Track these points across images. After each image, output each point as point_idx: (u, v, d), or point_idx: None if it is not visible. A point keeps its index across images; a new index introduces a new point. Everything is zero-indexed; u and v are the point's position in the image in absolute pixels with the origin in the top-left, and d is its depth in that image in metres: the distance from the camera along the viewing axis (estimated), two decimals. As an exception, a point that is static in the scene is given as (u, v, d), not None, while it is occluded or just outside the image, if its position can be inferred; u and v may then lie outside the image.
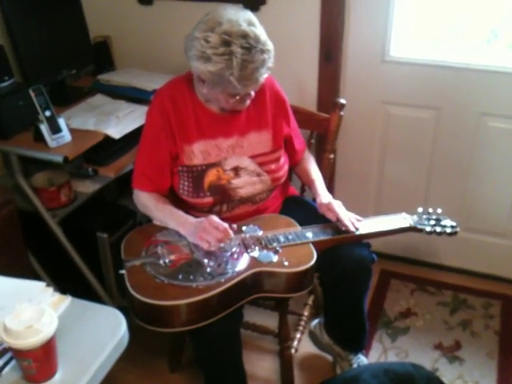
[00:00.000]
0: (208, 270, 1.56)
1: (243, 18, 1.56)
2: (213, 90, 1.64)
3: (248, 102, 1.70)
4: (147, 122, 1.79)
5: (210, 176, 1.76)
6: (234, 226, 1.70)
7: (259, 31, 1.57)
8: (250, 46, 1.53)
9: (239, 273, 1.56)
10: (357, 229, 1.74)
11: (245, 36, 1.52)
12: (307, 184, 1.97)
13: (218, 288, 1.50)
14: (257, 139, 1.80)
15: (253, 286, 1.59)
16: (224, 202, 1.78)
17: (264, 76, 1.61)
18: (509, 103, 2.22)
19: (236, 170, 1.77)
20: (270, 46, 1.58)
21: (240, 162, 1.78)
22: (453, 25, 2.24)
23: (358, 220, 1.78)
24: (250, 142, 1.79)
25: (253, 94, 1.68)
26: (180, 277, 1.53)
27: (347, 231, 1.72)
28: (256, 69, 1.56)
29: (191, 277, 1.54)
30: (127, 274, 1.57)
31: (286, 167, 1.88)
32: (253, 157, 1.79)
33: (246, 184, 1.78)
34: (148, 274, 1.55)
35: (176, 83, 1.77)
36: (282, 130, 1.84)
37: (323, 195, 1.84)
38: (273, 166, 1.82)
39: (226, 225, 1.64)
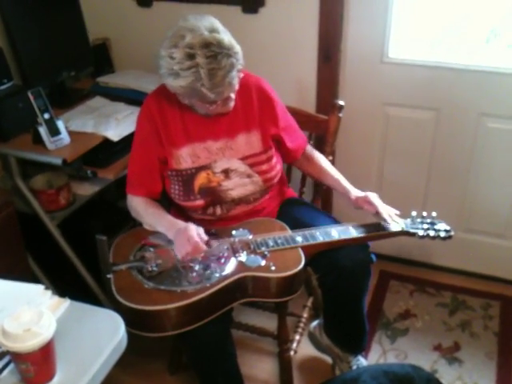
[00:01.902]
0: (194, 274, 1.56)
1: (204, 25, 1.55)
2: (192, 100, 1.66)
3: (231, 104, 1.70)
4: (136, 129, 1.81)
5: (200, 179, 1.76)
6: (213, 241, 1.68)
7: (222, 36, 1.56)
8: (215, 53, 1.52)
9: (225, 277, 1.55)
10: (395, 221, 1.75)
11: (207, 45, 1.52)
12: (329, 184, 1.93)
13: (203, 293, 1.50)
14: (246, 140, 1.79)
15: (239, 290, 1.59)
16: (216, 204, 1.79)
17: (237, 79, 1.61)
18: (508, 104, 2.22)
19: (226, 173, 1.77)
20: (235, 48, 1.58)
21: (230, 164, 1.78)
22: (452, 25, 2.24)
23: (396, 214, 1.78)
24: (240, 144, 1.79)
25: (233, 96, 1.67)
26: (165, 281, 1.53)
27: (384, 226, 1.74)
28: (226, 74, 1.55)
29: (177, 281, 1.53)
30: (114, 278, 1.57)
31: (278, 167, 1.87)
32: (243, 158, 1.78)
33: (237, 186, 1.78)
34: (134, 279, 1.55)
35: (163, 89, 1.75)
36: (269, 131, 1.83)
37: (354, 190, 1.84)
38: (264, 167, 1.81)
39: (197, 239, 1.60)
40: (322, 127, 2.09)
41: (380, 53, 2.30)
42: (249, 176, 1.79)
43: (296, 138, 1.94)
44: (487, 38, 2.23)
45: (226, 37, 1.57)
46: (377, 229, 1.76)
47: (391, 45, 2.29)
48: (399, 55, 2.30)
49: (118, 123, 2.15)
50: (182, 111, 1.75)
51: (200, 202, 1.77)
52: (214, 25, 1.58)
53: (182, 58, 1.53)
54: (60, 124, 2.02)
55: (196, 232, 1.63)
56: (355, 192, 1.83)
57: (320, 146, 2.09)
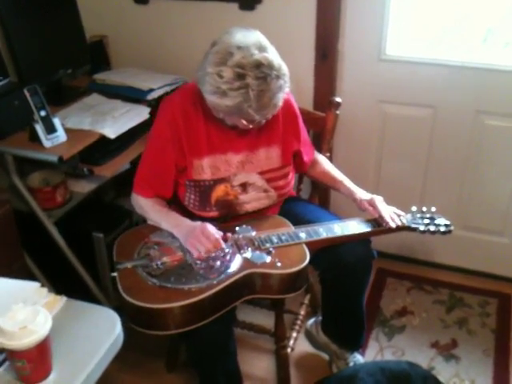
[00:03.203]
0: (200, 272, 1.55)
1: (253, 43, 1.51)
2: (231, 117, 1.62)
3: (264, 121, 1.66)
4: (155, 131, 1.75)
5: (218, 191, 1.73)
6: (229, 234, 1.68)
7: (271, 56, 1.52)
8: (265, 74, 1.49)
9: (232, 274, 1.55)
10: (397, 224, 1.76)
11: (258, 65, 1.48)
12: (333, 186, 1.94)
13: (210, 290, 1.49)
14: (266, 155, 1.78)
15: (245, 287, 1.58)
16: (229, 216, 1.78)
17: (282, 99, 1.58)
18: (505, 101, 2.22)
19: (244, 186, 1.76)
20: (284, 69, 1.54)
21: (248, 178, 1.76)
22: (449, 24, 2.24)
23: (398, 215, 1.79)
24: (260, 158, 1.77)
25: (270, 115, 1.64)
26: (172, 279, 1.53)
27: (387, 227, 1.74)
28: (273, 96, 1.53)
29: (183, 279, 1.53)
30: (119, 276, 1.56)
31: (292, 183, 1.87)
32: (261, 173, 1.77)
33: (253, 200, 1.77)
34: (140, 277, 1.54)
35: (187, 93, 1.72)
36: (291, 146, 1.82)
37: (360, 192, 1.84)
38: (281, 183, 1.80)
39: (218, 235, 1.62)
40: (319, 124, 2.09)
41: (377, 50, 2.30)
42: (265, 191, 1.79)
43: (309, 150, 1.95)
44: (484, 37, 2.23)
45: (274, 57, 1.53)
46: (379, 224, 1.77)
47: (388, 42, 2.28)
48: (396, 53, 2.30)
49: (115, 120, 2.14)
50: (206, 120, 1.70)
51: (214, 214, 1.75)
52: (262, 42, 1.54)
53: (232, 78, 1.49)
54: (56, 121, 2.01)
55: (214, 229, 1.63)
56: (360, 194, 1.83)
57: (317, 143, 2.09)
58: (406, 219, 1.82)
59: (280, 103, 1.59)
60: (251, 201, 1.78)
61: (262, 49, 1.52)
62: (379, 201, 1.79)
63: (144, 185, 1.78)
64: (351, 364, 1.98)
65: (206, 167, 1.72)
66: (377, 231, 1.77)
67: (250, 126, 1.64)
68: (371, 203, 1.78)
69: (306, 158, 1.92)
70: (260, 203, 1.79)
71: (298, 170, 1.95)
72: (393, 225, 1.74)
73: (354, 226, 1.76)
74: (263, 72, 1.49)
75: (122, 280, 1.55)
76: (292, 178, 1.87)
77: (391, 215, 1.77)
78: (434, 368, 2.11)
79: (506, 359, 2.15)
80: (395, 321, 2.35)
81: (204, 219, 1.74)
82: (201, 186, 1.73)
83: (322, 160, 2.00)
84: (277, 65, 1.52)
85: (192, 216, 1.76)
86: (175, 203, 1.83)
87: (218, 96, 1.52)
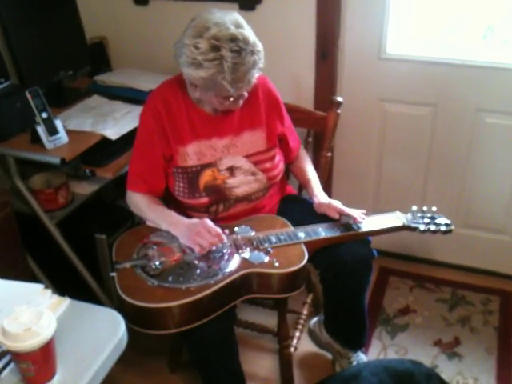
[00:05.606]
0: (198, 271, 1.56)
1: (230, 20, 1.56)
2: (206, 93, 1.65)
3: (241, 102, 1.71)
4: (140, 125, 1.80)
5: (205, 176, 1.76)
6: (227, 230, 1.70)
7: (247, 33, 1.57)
8: (240, 48, 1.53)
9: (229, 274, 1.55)
10: (362, 221, 1.75)
11: (233, 39, 1.53)
12: (303, 183, 1.98)
13: (208, 290, 1.50)
14: (251, 138, 1.80)
15: (244, 286, 1.59)
16: (220, 202, 1.79)
17: (256, 76, 1.62)
18: (505, 99, 2.22)
19: (231, 170, 1.78)
20: (259, 46, 1.59)
21: (235, 162, 1.78)
22: (449, 21, 2.24)
23: (363, 213, 1.79)
24: (245, 142, 1.79)
25: (246, 94, 1.68)
26: (170, 279, 1.54)
27: (351, 226, 1.74)
28: (247, 71, 1.56)
29: (181, 279, 1.54)
30: (117, 276, 1.57)
31: (281, 165, 1.88)
32: (247, 156, 1.79)
33: (242, 183, 1.79)
34: (138, 277, 1.55)
35: (168, 85, 1.78)
36: (275, 129, 1.85)
37: (320, 195, 1.85)
38: (268, 165, 1.82)
39: (219, 229, 1.64)
40: (320, 124, 2.09)
41: (377, 49, 2.30)
42: (253, 174, 1.80)
43: (295, 138, 1.97)
44: (484, 34, 2.23)
45: (251, 34, 1.58)
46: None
47: (389, 41, 2.28)
48: (397, 51, 2.30)
49: (116, 122, 2.14)
50: (187, 108, 1.75)
51: (205, 200, 1.77)
52: (240, 21, 1.59)
53: (207, 49, 1.53)
54: (58, 123, 2.01)
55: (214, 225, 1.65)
56: (320, 197, 1.84)
57: (318, 143, 2.09)
58: (406, 219, 1.82)
59: (254, 80, 1.63)
60: (240, 185, 1.79)
61: (238, 25, 1.57)
62: (337, 203, 1.79)
63: (137, 180, 1.80)
64: (354, 363, 1.98)
65: (191, 154, 1.75)
66: (376, 231, 1.78)
67: (226, 103, 1.66)
68: (330, 206, 1.78)
69: (291, 144, 1.94)
70: (250, 187, 1.80)
71: (286, 159, 1.97)
72: (360, 219, 1.74)
73: (353, 226, 1.76)
74: (238, 46, 1.53)
75: (120, 280, 1.56)
76: (280, 160, 1.88)
77: (356, 212, 1.77)
78: (437, 366, 2.11)
79: (509, 357, 2.15)
80: (398, 319, 2.35)
81: (195, 208, 1.77)
82: (188, 172, 1.76)
83: (304, 156, 2.03)
84: (252, 41, 1.57)
85: (185, 209, 1.78)
86: (169, 199, 1.85)
87: (194, 68, 1.57)
